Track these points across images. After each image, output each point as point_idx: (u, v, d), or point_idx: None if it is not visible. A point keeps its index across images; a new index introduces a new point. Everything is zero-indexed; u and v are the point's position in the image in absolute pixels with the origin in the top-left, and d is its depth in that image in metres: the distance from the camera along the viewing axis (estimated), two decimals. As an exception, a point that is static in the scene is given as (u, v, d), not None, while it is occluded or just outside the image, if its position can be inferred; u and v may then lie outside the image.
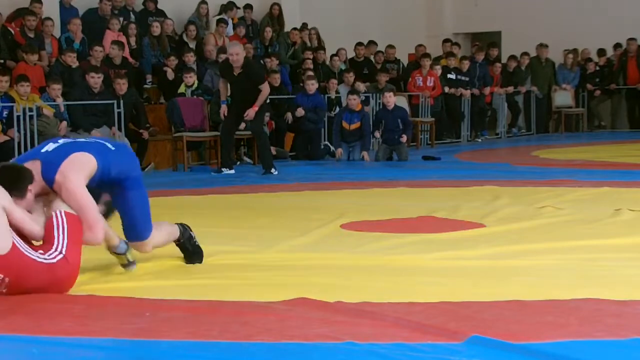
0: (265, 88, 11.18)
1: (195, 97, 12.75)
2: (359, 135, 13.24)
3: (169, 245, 5.77)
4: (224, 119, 11.41)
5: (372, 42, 17.61)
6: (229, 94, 11.32)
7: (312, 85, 13.62)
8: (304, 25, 17.04)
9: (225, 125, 11.46)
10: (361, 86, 14.76)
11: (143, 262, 5.26)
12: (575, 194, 8.22)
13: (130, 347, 3.53)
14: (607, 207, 7.21)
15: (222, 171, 11.26)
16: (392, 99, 13.38)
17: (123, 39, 13.63)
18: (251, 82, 11.06)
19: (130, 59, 13.60)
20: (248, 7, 16.50)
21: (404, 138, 13.21)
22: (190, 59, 13.91)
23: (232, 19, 16.25)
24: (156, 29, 14.39)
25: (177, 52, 14.05)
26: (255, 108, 11.05)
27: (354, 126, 13.19)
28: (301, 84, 14.02)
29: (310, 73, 14.31)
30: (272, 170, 11.10)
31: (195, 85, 12.89)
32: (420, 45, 17.64)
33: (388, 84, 15.60)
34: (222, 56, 13.29)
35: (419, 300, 4.18)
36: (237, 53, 11.06)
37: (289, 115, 13.55)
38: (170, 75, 13.59)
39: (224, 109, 11.29)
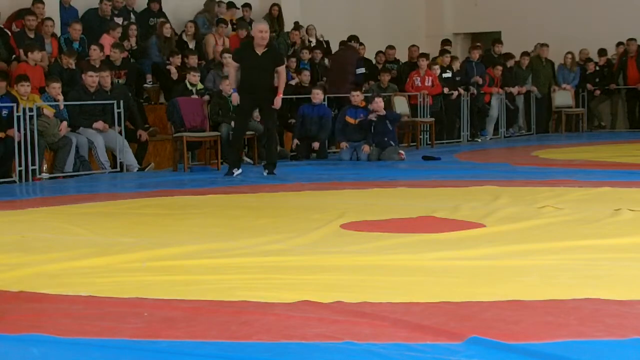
0: (284, 70, 11.05)
1: (199, 96, 12.71)
2: (363, 134, 13.25)
3: (169, 245, 5.79)
4: (237, 107, 11.11)
5: (372, 43, 17.61)
6: (239, 82, 10.97)
7: (317, 95, 13.53)
8: (304, 25, 17.04)
9: (240, 119, 11.22)
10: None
11: (142, 262, 5.26)
12: (575, 194, 8.21)
13: (129, 347, 3.52)
14: (607, 207, 7.21)
15: (234, 173, 10.91)
16: (382, 104, 13.21)
17: (117, 39, 13.58)
18: (273, 62, 10.86)
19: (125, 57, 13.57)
20: (246, 6, 16.49)
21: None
22: (193, 60, 13.91)
23: (233, 20, 16.25)
24: (167, 30, 14.36)
25: (178, 53, 14.04)
26: (281, 95, 10.92)
27: (359, 120, 13.23)
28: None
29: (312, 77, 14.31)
30: (275, 172, 11.02)
31: (199, 85, 12.86)
32: (413, 46, 17.53)
33: (391, 84, 15.63)
34: (226, 55, 13.29)
35: (419, 300, 4.18)
36: (266, 30, 10.94)
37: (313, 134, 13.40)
38: (174, 74, 13.59)
39: (235, 97, 10.92)
